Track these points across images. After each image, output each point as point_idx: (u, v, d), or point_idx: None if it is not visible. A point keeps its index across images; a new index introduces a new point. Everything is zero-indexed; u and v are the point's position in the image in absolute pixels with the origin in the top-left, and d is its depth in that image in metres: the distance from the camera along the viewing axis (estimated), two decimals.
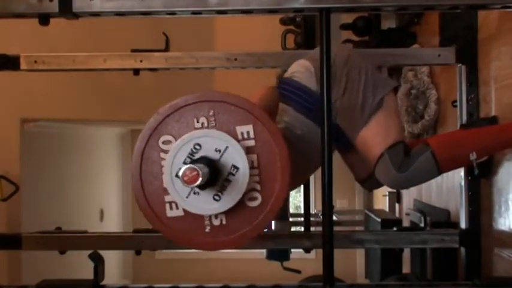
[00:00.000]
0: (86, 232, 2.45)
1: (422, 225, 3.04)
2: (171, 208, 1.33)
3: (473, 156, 1.85)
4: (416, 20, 3.44)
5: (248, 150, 1.31)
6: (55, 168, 4.88)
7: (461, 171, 2.38)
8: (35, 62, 2.43)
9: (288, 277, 4.31)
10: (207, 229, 1.33)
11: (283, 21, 4.49)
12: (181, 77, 4.45)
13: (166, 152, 1.32)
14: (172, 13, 1.73)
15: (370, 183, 2.01)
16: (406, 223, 3.56)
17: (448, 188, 2.91)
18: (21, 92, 3.92)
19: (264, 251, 4.62)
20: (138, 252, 2.45)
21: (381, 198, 5.02)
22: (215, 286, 1.78)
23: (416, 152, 1.83)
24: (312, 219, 2.73)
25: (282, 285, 1.82)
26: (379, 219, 3.60)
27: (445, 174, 2.97)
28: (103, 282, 1.91)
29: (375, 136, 1.84)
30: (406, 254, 3.26)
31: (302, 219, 2.64)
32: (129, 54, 2.48)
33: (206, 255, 6.36)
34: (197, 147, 1.29)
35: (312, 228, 2.50)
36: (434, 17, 3.08)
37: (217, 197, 1.28)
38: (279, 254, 4.51)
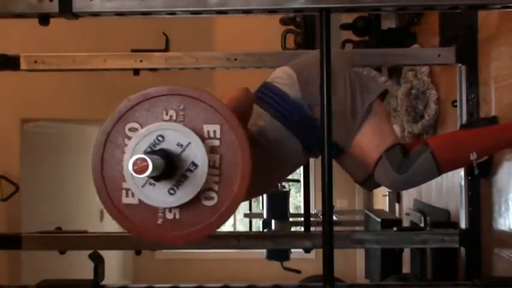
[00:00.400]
0: (86, 232, 2.45)
1: (422, 225, 3.04)
2: (127, 195, 1.33)
3: (473, 156, 1.85)
4: (416, 20, 3.44)
5: (212, 150, 1.31)
6: (55, 168, 4.88)
7: (461, 171, 2.38)
8: (35, 62, 2.43)
9: (288, 277, 4.31)
10: (159, 221, 1.32)
11: (283, 21, 4.50)
12: (181, 77, 4.46)
13: (130, 138, 1.32)
14: (172, 13, 1.73)
15: (369, 183, 2.01)
16: (406, 223, 3.56)
17: (448, 188, 2.91)
18: (21, 92, 3.92)
19: (264, 251, 4.62)
20: (138, 252, 2.45)
21: (381, 198, 5.02)
22: (215, 286, 1.78)
23: (415, 153, 1.83)
24: (312, 219, 2.73)
25: (282, 285, 1.82)
26: (379, 219, 3.60)
27: (445, 174, 2.97)
28: (103, 282, 1.91)
29: (370, 141, 1.84)
30: (406, 254, 3.26)
31: (302, 219, 2.65)
32: (129, 54, 2.48)
33: (206, 255, 6.36)
34: (160, 138, 1.29)
35: (312, 228, 2.50)
36: (434, 17, 3.08)
37: (172, 191, 1.28)
38: (279, 254, 4.51)
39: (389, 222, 3.42)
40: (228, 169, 1.31)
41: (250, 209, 5.26)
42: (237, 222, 7.39)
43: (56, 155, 4.97)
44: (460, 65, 2.39)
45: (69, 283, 1.92)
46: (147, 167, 1.16)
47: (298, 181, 6.09)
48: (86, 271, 2.05)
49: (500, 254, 2.19)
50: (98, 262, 1.90)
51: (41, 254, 3.17)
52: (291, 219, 4.79)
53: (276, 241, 2.47)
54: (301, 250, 2.42)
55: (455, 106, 2.49)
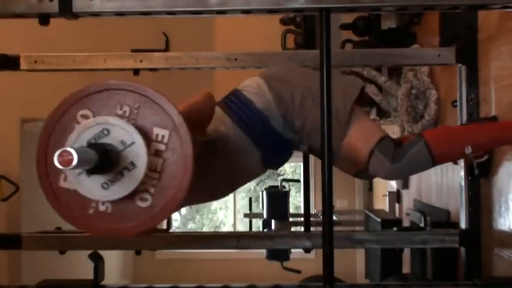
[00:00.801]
0: (86, 232, 2.45)
1: (422, 225, 3.04)
2: (64, 180, 1.33)
3: (468, 150, 1.84)
4: (416, 20, 3.44)
5: (156, 153, 1.31)
6: None
7: (461, 171, 2.38)
8: (35, 62, 2.43)
9: (288, 277, 4.31)
10: (91, 211, 1.32)
11: (283, 21, 4.50)
12: (181, 77, 4.46)
13: (79, 124, 1.32)
14: (172, 13, 1.73)
15: (363, 175, 2.01)
16: (406, 223, 3.56)
17: (448, 188, 2.91)
18: (21, 92, 3.92)
19: (264, 251, 4.63)
20: (138, 252, 2.45)
21: (381, 198, 5.02)
22: (215, 286, 1.78)
23: (410, 143, 1.84)
24: (312, 219, 2.73)
25: (282, 285, 1.82)
26: (379, 219, 3.61)
27: (445, 174, 2.97)
28: (103, 282, 1.91)
29: (358, 140, 1.84)
30: (406, 254, 3.26)
31: (302, 219, 2.64)
32: (129, 54, 2.48)
33: (206, 255, 6.36)
34: (105, 132, 1.28)
35: (312, 228, 2.50)
36: (434, 17, 3.08)
37: (106, 186, 1.27)
38: (279, 254, 4.52)
39: (389, 222, 3.42)
40: (168, 175, 1.31)
41: (250, 209, 5.27)
42: (237, 222, 7.40)
43: None
44: (460, 65, 2.39)
45: (69, 283, 1.92)
46: (71, 160, 1.14)
47: (298, 181, 6.10)
48: (86, 271, 2.05)
49: (500, 254, 2.19)
50: (98, 262, 1.90)
51: (41, 254, 3.16)
52: (291, 219, 4.79)
53: (276, 241, 2.47)
54: (301, 250, 2.42)
55: (455, 106, 2.49)
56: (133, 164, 1.28)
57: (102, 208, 1.32)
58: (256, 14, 1.75)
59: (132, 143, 1.28)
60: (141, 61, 2.46)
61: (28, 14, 1.72)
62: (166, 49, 2.47)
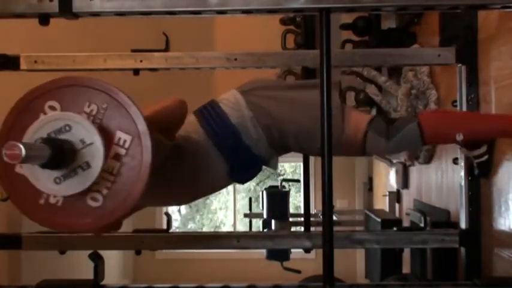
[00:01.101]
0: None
1: (422, 225, 3.04)
2: (21, 166, 1.32)
3: (459, 137, 1.86)
4: (416, 20, 3.44)
5: (115, 156, 1.31)
6: None
7: (461, 171, 2.38)
8: (35, 62, 2.43)
9: (288, 277, 4.31)
10: (41, 201, 1.32)
11: (283, 21, 4.50)
12: (181, 77, 4.46)
13: (45, 115, 1.32)
14: (172, 13, 1.73)
15: (369, 153, 2.04)
16: (406, 223, 3.56)
17: (448, 188, 2.91)
18: (21, 92, 3.92)
19: (264, 251, 4.63)
20: (138, 252, 2.44)
21: (381, 198, 5.02)
22: (215, 286, 1.78)
23: (404, 121, 1.89)
24: (312, 219, 2.73)
25: (282, 285, 1.82)
26: (379, 219, 3.61)
27: (445, 174, 2.97)
28: (103, 282, 1.91)
29: (351, 128, 1.87)
30: (406, 254, 3.26)
31: (302, 219, 2.64)
32: (129, 54, 2.48)
33: (206, 255, 6.36)
34: (67, 128, 1.28)
35: (312, 228, 2.50)
36: (434, 17, 3.08)
37: (58, 181, 1.27)
38: (279, 254, 4.52)
39: (389, 222, 3.42)
40: (123, 180, 1.31)
41: (250, 209, 5.27)
42: (237, 222, 7.39)
43: None
44: (460, 65, 2.39)
45: (69, 283, 1.92)
46: (18, 156, 1.13)
47: (298, 181, 6.10)
48: (86, 271, 2.05)
49: (500, 254, 2.19)
50: (98, 262, 1.90)
51: (41, 254, 3.16)
52: (291, 219, 4.79)
53: (276, 241, 2.47)
54: (301, 250, 2.42)
55: (455, 106, 2.49)
56: (88, 164, 1.28)
57: (52, 200, 1.32)
58: (256, 14, 1.75)
59: (90, 143, 1.28)
60: (141, 61, 2.46)
61: (28, 14, 1.72)
62: (166, 49, 2.47)
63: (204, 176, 1.88)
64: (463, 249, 2.35)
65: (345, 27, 4.07)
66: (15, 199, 1.35)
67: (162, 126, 1.64)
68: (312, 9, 1.65)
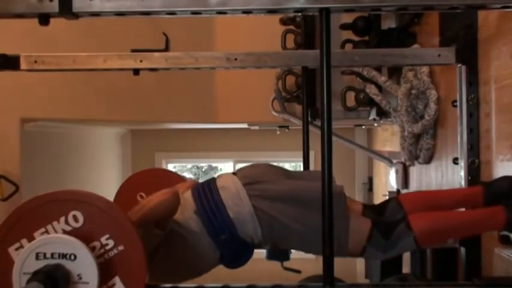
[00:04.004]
0: None
1: None
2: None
3: (450, 240, 2.17)
4: (416, 20, 3.44)
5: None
6: (55, 168, 4.88)
7: (461, 171, 2.38)
8: (35, 62, 2.43)
9: (288, 277, 4.31)
10: None
11: (283, 21, 4.49)
12: (181, 77, 4.46)
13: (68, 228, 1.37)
14: (172, 13, 1.72)
15: None
16: None
17: (448, 188, 2.91)
18: (21, 92, 3.92)
19: (264, 251, 4.62)
20: None
21: (381, 198, 5.02)
22: (215, 286, 1.78)
23: (399, 235, 1.87)
24: None
25: (282, 285, 1.81)
26: None
27: (445, 174, 2.97)
28: None
29: (351, 245, 1.88)
30: (406, 254, 3.26)
31: None
32: (129, 54, 2.48)
33: None
34: (72, 257, 1.32)
35: None
36: (434, 17, 3.08)
37: None
38: (279, 254, 4.51)
39: None
40: None
41: None
42: None
43: (56, 155, 4.97)
44: (460, 65, 2.39)
45: None
46: None
47: None
48: None
49: (500, 254, 2.19)
50: None
51: None
52: None
53: None
54: None
55: (455, 106, 2.49)
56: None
57: None
58: (256, 14, 1.75)
59: (86, 283, 1.31)
60: (141, 61, 2.46)
61: (28, 14, 1.72)
62: (166, 49, 2.47)
63: (194, 260, 1.88)
64: (463, 249, 2.35)
65: (345, 27, 4.07)
66: None
67: (154, 222, 1.71)
68: (312, 9, 1.65)
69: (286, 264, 4.52)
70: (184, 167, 8.02)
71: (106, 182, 6.14)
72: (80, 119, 4.60)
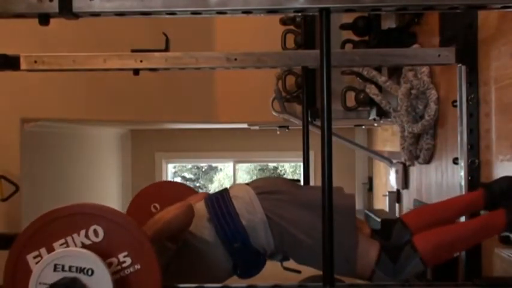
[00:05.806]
0: None
1: None
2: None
3: (456, 254, 2.18)
4: (416, 20, 3.44)
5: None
6: (55, 168, 4.88)
7: (461, 171, 2.38)
8: (35, 62, 2.43)
9: (288, 277, 4.30)
10: None
11: (283, 21, 4.49)
12: (181, 77, 4.45)
13: (89, 242, 1.39)
14: (172, 13, 1.72)
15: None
16: None
17: (448, 188, 2.91)
18: (21, 92, 3.92)
19: None
20: None
21: (381, 198, 5.02)
22: (215, 286, 1.78)
23: (406, 257, 1.88)
24: None
25: (282, 285, 1.82)
26: (379, 219, 3.60)
27: (445, 174, 2.97)
28: None
29: (360, 268, 1.90)
30: None
31: None
32: (129, 54, 2.48)
33: None
34: (89, 272, 1.32)
35: None
36: (434, 17, 3.08)
37: None
38: None
39: (389, 222, 3.41)
40: None
41: None
42: None
43: (56, 155, 4.97)
44: (460, 65, 2.39)
45: None
46: None
47: (298, 181, 6.09)
48: None
49: (500, 254, 2.19)
50: None
51: None
52: None
53: None
54: None
55: (455, 106, 2.49)
56: None
57: None
58: (256, 14, 1.75)
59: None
60: (141, 61, 2.46)
61: (28, 14, 1.72)
62: (166, 49, 2.47)
63: (207, 271, 1.88)
64: None
65: (345, 27, 4.06)
66: None
67: (168, 235, 1.74)
68: (312, 9, 1.65)
69: (286, 264, 4.52)
70: (184, 167, 8.01)
71: (106, 182, 6.14)
72: (80, 119, 4.60)
